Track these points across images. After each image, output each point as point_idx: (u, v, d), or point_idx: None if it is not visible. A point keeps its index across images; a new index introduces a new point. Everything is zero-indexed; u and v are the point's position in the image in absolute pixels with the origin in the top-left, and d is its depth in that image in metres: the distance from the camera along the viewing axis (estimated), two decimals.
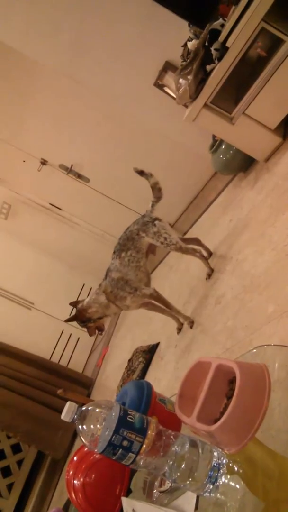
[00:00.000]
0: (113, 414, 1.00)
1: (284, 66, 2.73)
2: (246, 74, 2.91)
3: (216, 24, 2.73)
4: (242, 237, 2.89)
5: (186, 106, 3.13)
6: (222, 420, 0.85)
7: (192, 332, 2.87)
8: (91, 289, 6.17)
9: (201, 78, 2.86)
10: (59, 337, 6.04)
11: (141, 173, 2.97)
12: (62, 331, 6.02)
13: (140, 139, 4.47)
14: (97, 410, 1.03)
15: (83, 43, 3.64)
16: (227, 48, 2.66)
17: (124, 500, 1.28)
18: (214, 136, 3.69)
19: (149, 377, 3.29)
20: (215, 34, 2.71)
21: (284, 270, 2.08)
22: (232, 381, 0.96)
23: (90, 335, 2.93)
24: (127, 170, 4.78)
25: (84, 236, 5.66)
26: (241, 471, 0.94)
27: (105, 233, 5.50)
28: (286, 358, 1.33)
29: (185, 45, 2.95)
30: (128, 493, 1.38)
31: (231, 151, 3.52)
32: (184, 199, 4.91)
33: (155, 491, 1.24)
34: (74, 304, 2.81)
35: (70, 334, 6.04)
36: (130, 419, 0.99)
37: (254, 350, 1.13)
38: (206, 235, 3.56)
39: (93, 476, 1.39)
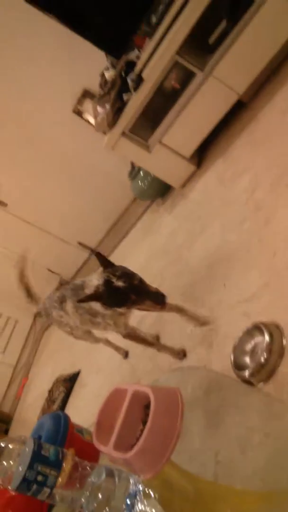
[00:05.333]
0: (27, 449, 0.96)
1: (196, 98, 2.88)
2: (162, 104, 3.04)
3: (132, 55, 2.83)
4: (161, 261, 2.95)
5: (105, 134, 3.18)
6: (136, 447, 0.85)
7: (116, 357, 2.85)
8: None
9: (119, 107, 2.93)
10: None
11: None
12: None
13: (60, 164, 4.44)
14: (10, 446, 0.99)
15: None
16: (142, 79, 2.76)
17: None
18: (132, 163, 3.77)
19: (70, 407, 3.20)
20: (131, 65, 2.80)
21: (202, 289, 2.15)
22: (148, 406, 0.96)
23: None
24: (47, 195, 4.77)
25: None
26: (157, 495, 0.94)
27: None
28: (202, 378, 1.36)
29: (103, 74, 3.02)
30: None
31: (149, 178, 3.61)
32: (105, 223, 4.94)
33: None
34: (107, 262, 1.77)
35: None
36: (44, 453, 0.96)
37: (170, 373, 1.15)
38: (126, 259, 3.60)
39: None
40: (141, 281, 1.67)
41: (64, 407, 3.25)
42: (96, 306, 1.83)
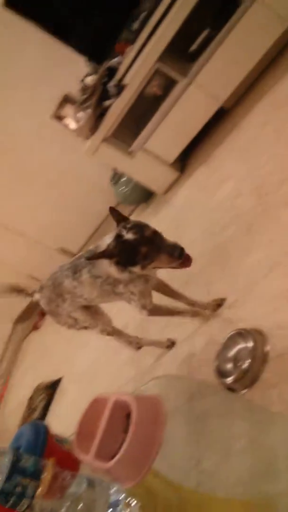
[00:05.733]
0: (6, 460, 0.94)
1: (178, 105, 2.89)
2: (144, 110, 3.04)
3: (113, 61, 2.83)
4: None
5: (87, 139, 3.17)
6: (117, 456, 0.83)
7: (98, 363, 2.83)
8: None
9: (100, 113, 2.92)
10: None
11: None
12: None
13: (40, 169, 4.40)
14: None
15: None
16: (124, 86, 2.76)
17: None
18: (114, 168, 3.76)
19: (52, 415, 3.16)
20: (112, 71, 2.80)
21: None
22: (129, 415, 0.95)
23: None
24: (28, 201, 4.72)
25: None
26: (140, 504, 0.92)
27: None
28: (185, 386, 1.35)
29: (83, 79, 3.01)
30: None
31: (131, 183, 3.61)
32: (88, 228, 4.91)
33: None
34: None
35: None
36: (23, 464, 0.94)
37: (153, 381, 1.14)
38: None
39: None
40: (155, 232, 1.49)
41: (46, 415, 3.20)
42: (114, 272, 1.58)
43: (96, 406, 1.09)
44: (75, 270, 1.76)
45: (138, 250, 1.44)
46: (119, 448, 0.97)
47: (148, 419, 0.88)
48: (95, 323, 2.02)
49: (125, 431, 0.97)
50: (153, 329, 2.25)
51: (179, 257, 1.46)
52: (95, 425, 1.06)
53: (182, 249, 1.47)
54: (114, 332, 2.12)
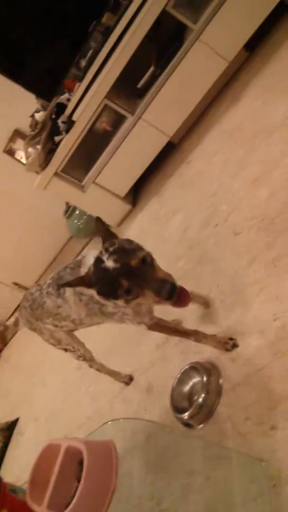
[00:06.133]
0: None
1: (128, 140, 2.95)
2: (95, 145, 3.08)
3: (62, 98, 2.86)
4: None
5: (38, 173, 3.16)
6: (70, 506, 0.81)
7: (55, 402, 2.75)
8: None
9: (50, 148, 2.94)
10: None
11: None
12: None
13: None
14: None
15: None
16: (73, 122, 2.79)
17: None
18: (68, 202, 3.76)
19: (9, 457, 3.02)
20: (61, 107, 2.84)
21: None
22: (82, 462, 0.92)
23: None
24: None
25: None
26: None
27: None
28: (140, 425, 1.33)
29: (33, 115, 3.03)
30: None
31: (85, 217, 3.62)
32: (42, 261, 4.86)
33: None
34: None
35: None
36: None
37: (107, 424, 1.12)
38: None
39: None
40: (143, 260, 1.17)
41: (3, 458, 3.06)
42: (97, 297, 1.28)
43: (49, 452, 1.05)
44: (59, 286, 1.49)
45: (119, 282, 1.14)
46: (73, 496, 0.94)
47: (101, 465, 0.86)
48: (77, 348, 1.81)
49: (78, 478, 0.95)
50: (115, 360, 2.23)
51: (168, 297, 1.15)
52: (48, 472, 1.02)
53: (173, 286, 1.16)
54: (91, 359, 1.93)
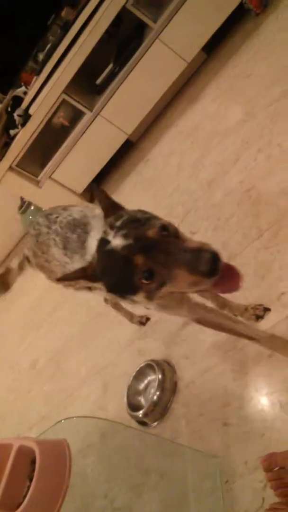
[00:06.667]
0: None
1: (86, 136, 2.92)
2: (52, 140, 3.03)
3: (19, 91, 2.80)
4: (56, 298, 2.87)
5: None
6: (22, 506, 0.79)
7: (7, 401, 2.68)
8: None
9: (5, 142, 2.86)
10: None
11: None
12: None
13: None
14: None
15: None
16: (30, 115, 2.73)
17: None
18: (22, 198, 3.68)
19: None
20: (17, 100, 2.77)
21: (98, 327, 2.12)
22: (34, 461, 0.91)
23: None
24: None
25: None
26: None
27: None
28: (95, 424, 1.32)
29: None
30: None
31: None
32: None
33: None
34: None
35: None
36: None
37: (61, 423, 1.10)
38: (17, 302, 3.45)
39: None
40: (164, 228, 0.83)
41: None
42: None
43: (1, 451, 1.02)
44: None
45: (134, 264, 0.80)
46: (25, 496, 0.92)
47: (53, 463, 0.85)
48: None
49: (31, 478, 0.93)
50: (70, 362, 2.20)
51: (210, 271, 0.75)
52: (1, 473, 0.99)
53: (214, 255, 0.76)
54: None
